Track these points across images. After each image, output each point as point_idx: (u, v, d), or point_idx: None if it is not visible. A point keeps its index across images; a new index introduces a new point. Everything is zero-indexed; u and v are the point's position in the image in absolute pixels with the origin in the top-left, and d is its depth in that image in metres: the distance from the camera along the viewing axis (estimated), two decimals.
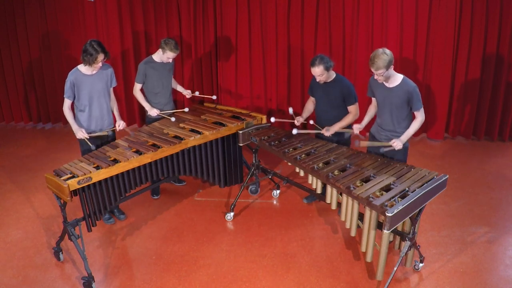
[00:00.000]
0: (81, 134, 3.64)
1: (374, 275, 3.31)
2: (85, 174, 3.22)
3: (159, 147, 3.69)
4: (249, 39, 5.76)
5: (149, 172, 3.70)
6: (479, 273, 3.32)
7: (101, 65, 3.62)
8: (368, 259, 3.15)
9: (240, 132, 4.05)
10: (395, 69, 3.39)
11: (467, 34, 5.31)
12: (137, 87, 4.24)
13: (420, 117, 3.37)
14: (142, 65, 4.18)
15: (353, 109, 3.85)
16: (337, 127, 3.83)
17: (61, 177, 3.19)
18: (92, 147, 3.60)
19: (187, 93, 4.56)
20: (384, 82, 3.39)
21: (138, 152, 3.59)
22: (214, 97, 4.70)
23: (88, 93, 3.69)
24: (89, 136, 3.66)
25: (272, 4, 5.54)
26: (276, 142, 3.89)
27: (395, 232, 3.25)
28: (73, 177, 3.20)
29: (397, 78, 3.35)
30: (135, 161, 3.52)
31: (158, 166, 3.75)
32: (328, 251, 3.63)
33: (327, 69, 3.72)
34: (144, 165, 3.64)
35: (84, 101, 3.69)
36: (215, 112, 4.52)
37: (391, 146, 3.36)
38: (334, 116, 3.89)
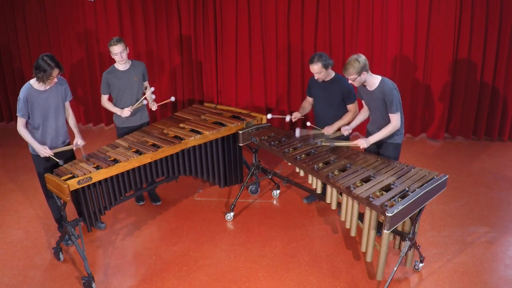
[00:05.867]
0: (45, 151, 3.38)
1: (374, 275, 3.31)
2: (85, 174, 3.22)
3: (159, 147, 3.69)
4: (249, 39, 5.76)
5: (149, 172, 3.70)
6: (479, 273, 3.32)
7: (56, 80, 3.38)
8: (368, 259, 3.15)
9: (240, 132, 4.05)
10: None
11: (467, 34, 5.31)
12: (103, 98, 4.03)
13: (394, 122, 3.38)
14: (104, 74, 3.98)
15: (353, 107, 3.87)
16: (336, 125, 3.83)
17: (61, 177, 3.19)
18: (60, 162, 3.41)
19: (152, 104, 4.14)
20: (366, 87, 3.47)
21: (138, 152, 3.59)
22: (173, 98, 4.31)
23: (42, 110, 3.43)
24: (53, 153, 3.42)
25: (272, 4, 5.54)
26: (276, 142, 3.89)
27: (395, 232, 3.25)
28: (73, 177, 3.21)
29: (376, 81, 3.41)
30: (135, 161, 3.52)
31: (158, 166, 3.75)
32: (328, 251, 3.63)
33: (325, 66, 3.72)
34: (144, 165, 3.64)
35: (38, 118, 3.43)
36: (215, 112, 4.52)
37: (356, 144, 3.48)
38: (333, 115, 3.90)
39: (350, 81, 3.41)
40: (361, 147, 3.46)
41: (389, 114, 3.38)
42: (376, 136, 3.44)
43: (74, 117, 3.75)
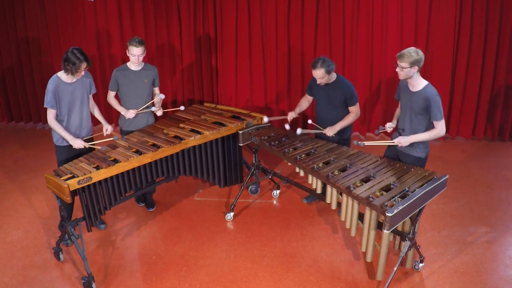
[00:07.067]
0: (80, 143, 3.53)
1: (374, 275, 3.31)
2: (85, 174, 3.22)
3: (159, 147, 3.69)
4: (249, 39, 5.76)
5: (149, 172, 3.70)
6: (479, 273, 3.32)
7: (83, 73, 3.52)
8: (368, 259, 3.15)
9: (240, 132, 4.05)
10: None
11: (467, 34, 5.31)
12: (110, 94, 4.03)
13: (438, 129, 3.24)
14: (114, 71, 4.00)
15: (355, 109, 3.86)
16: (338, 126, 3.83)
17: (61, 177, 3.19)
18: (102, 148, 3.59)
19: (156, 109, 4.11)
20: (408, 85, 3.36)
21: (138, 152, 3.59)
22: (182, 107, 4.36)
23: (68, 102, 3.56)
24: (88, 145, 3.58)
25: (272, 4, 5.54)
26: (276, 142, 3.89)
27: (395, 232, 3.25)
28: (73, 177, 3.20)
29: (421, 84, 3.29)
30: (135, 161, 3.51)
31: (158, 166, 3.74)
32: (328, 251, 3.63)
33: (328, 72, 3.71)
34: (144, 165, 3.64)
35: (64, 110, 3.56)
36: (215, 112, 4.52)
37: (395, 144, 3.33)
38: (334, 115, 3.90)
39: (397, 69, 3.27)
40: (398, 146, 3.33)
41: (434, 122, 3.25)
42: (418, 136, 3.29)
43: (97, 107, 3.91)
